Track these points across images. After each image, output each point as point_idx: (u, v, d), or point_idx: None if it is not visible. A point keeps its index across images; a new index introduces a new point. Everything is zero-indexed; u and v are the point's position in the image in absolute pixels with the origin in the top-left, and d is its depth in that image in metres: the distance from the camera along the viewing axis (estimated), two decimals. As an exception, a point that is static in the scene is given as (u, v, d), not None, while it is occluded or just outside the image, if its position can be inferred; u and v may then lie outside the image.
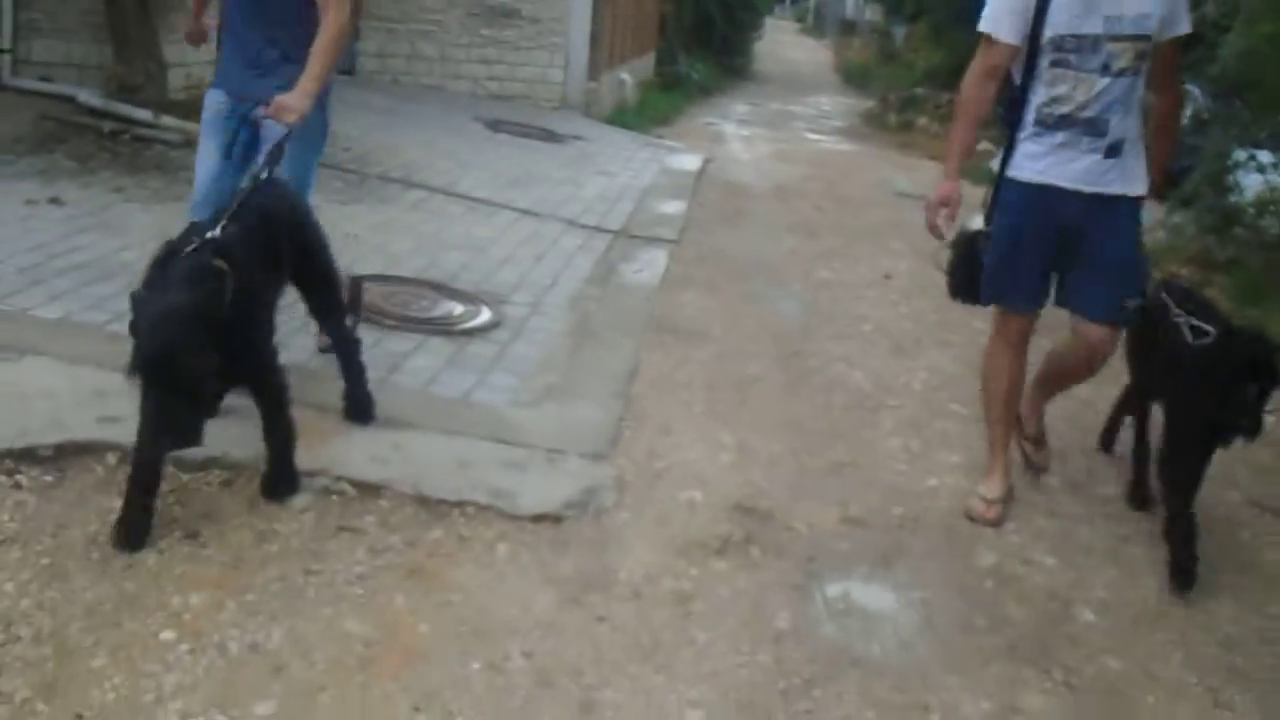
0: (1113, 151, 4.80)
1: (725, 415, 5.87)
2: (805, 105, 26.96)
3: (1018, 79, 4.89)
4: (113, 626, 3.46)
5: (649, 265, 8.45)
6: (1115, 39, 4.68)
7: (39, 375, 4.82)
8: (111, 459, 4.25)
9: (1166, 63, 4.92)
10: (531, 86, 15.64)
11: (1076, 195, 4.81)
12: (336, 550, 4.01)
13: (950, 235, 5.07)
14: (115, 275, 6.07)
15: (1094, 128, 4.77)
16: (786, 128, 21.27)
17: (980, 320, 6.07)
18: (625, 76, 19.18)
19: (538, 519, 4.46)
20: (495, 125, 13.20)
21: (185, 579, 3.73)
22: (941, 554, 4.77)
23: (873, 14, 44.96)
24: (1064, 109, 4.79)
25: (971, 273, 5.10)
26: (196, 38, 6.05)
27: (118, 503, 3.94)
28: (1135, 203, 4.91)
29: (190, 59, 9.95)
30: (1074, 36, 4.71)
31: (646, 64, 22.20)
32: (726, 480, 5.11)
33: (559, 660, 3.67)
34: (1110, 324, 4.96)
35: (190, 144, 7.58)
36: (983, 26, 4.86)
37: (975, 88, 4.93)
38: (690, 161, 13.75)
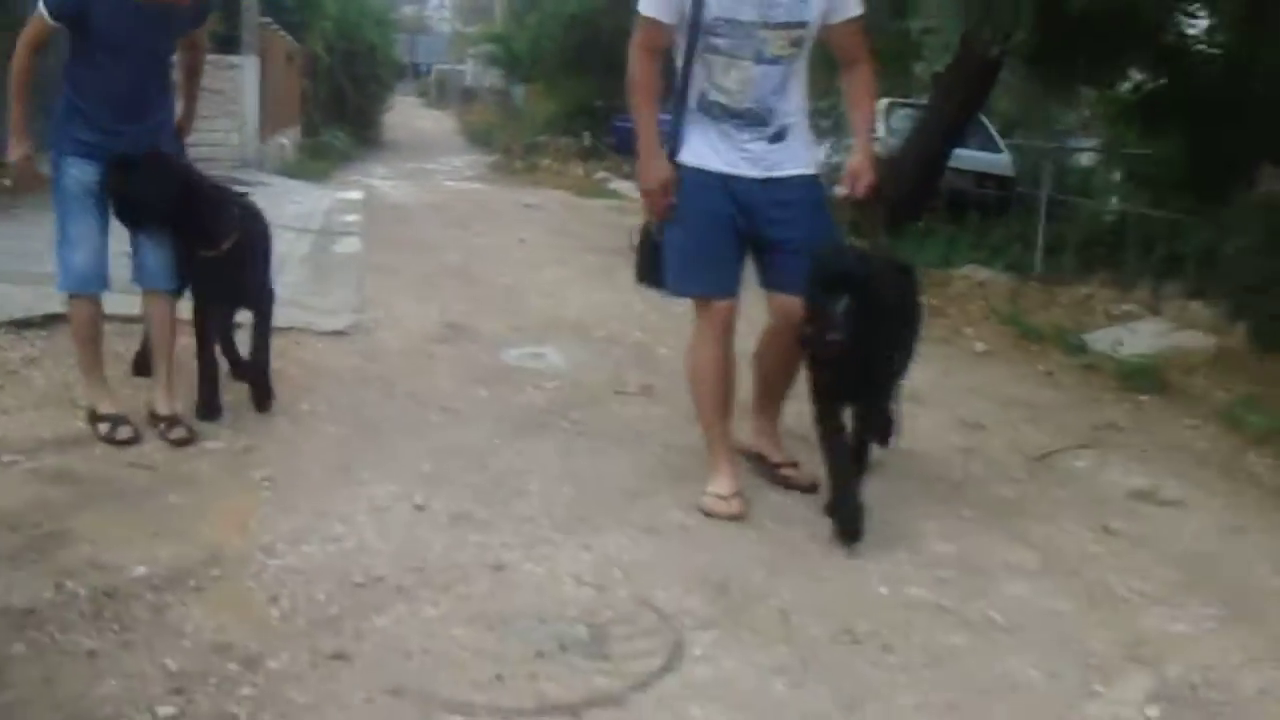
0: (778, 137, 4.90)
1: (427, 298, 9.13)
2: (438, 163, 29.98)
3: (679, 63, 4.91)
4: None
5: (350, 245, 11.59)
6: (769, 26, 4.71)
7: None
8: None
9: (846, 45, 5.00)
10: (216, 150, 18.11)
11: (751, 180, 4.89)
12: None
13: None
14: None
15: (756, 117, 4.85)
16: (425, 178, 24.41)
17: (591, 254, 9.62)
18: (284, 141, 22.07)
19: (334, 333, 7.62)
20: (198, 177, 15.97)
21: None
22: (574, 337, 8.20)
23: (491, 80, 47.64)
24: (723, 98, 4.84)
25: (649, 259, 5.20)
26: (29, 178, 5.48)
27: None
28: (811, 180, 5.03)
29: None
30: (728, 21, 4.70)
31: (296, 133, 24.90)
32: (437, 317, 8.39)
33: (373, 374, 6.84)
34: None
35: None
36: (639, 6, 4.87)
37: (638, 69, 4.93)
38: (355, 194, 16.98)
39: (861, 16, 4.96)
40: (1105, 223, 14.90)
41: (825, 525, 4.88)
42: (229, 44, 19.07)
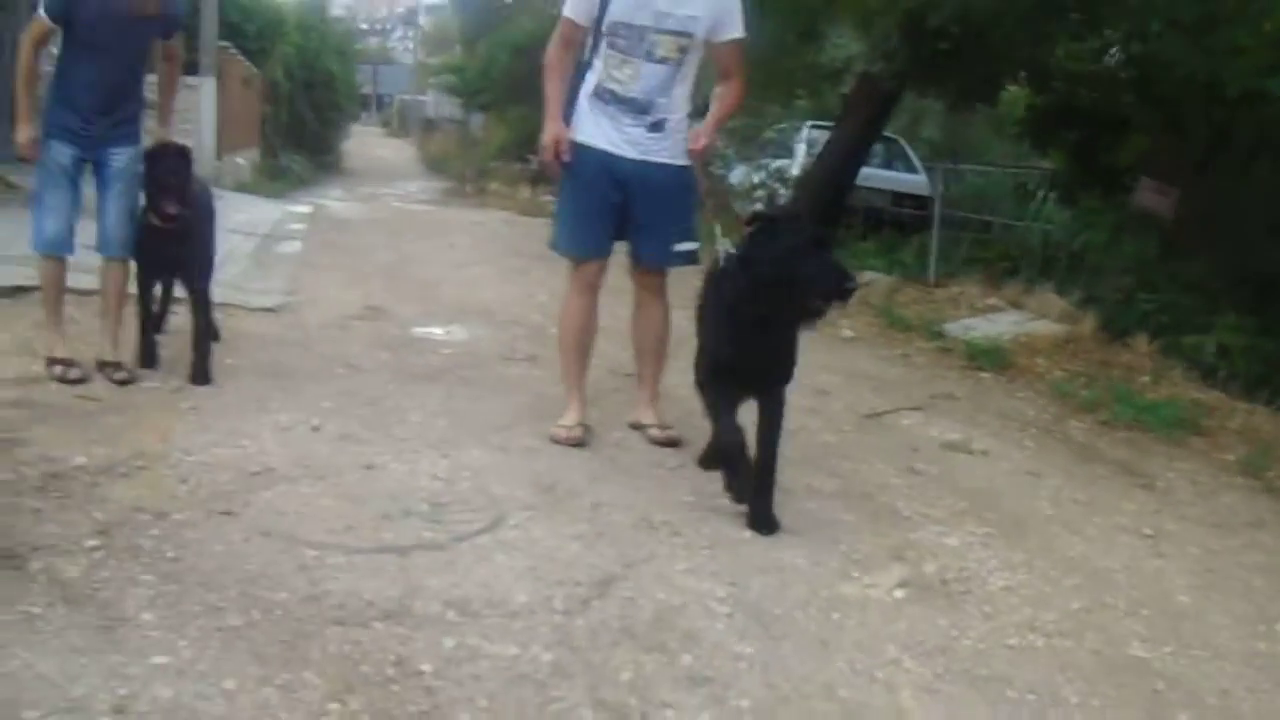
0: (656, 127, 5.65)
1: (353, 287, 10.18)
2: (392, 188, 30.72)
3: (586, 55, 5.72)
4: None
5: (290, 246, 12.66)
6: (660, 32, 5.51)
7: None
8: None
9: (725, 60, 5.77)
10: (173, 164, 19.06)
11: (628, 160, 5.65)
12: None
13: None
14: None
15: (639, 106, 5.61)
16: (377, 200, 25.00)
17: (514, 258, 10.75)
18: (241, 160, 23.03)
19: (265, 309, 8.66)
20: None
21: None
22: (478, 319, 9.31)
23: (451, 110, 48.68)
24: (615, 86, 5.62)
25: None
26: (30, 150, 6.12)
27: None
28: (681, 170, 5.76)
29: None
30: (626, 25, 5.53)
31: (254, 155, 25.71)
32: (359, 301, 9.41)
33: (293, 340, 7.83)
34: (660, 270, 5.98)
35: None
36: (563, 9, 5.75)
37: (553, 54, 5.75)
38: (304, 208, 18.07)
39: (742, 39, 5.73)
40: (1014, 235, 15.86)
41: (658, 454, 5.88)
42: (187, 66, 19.82)
